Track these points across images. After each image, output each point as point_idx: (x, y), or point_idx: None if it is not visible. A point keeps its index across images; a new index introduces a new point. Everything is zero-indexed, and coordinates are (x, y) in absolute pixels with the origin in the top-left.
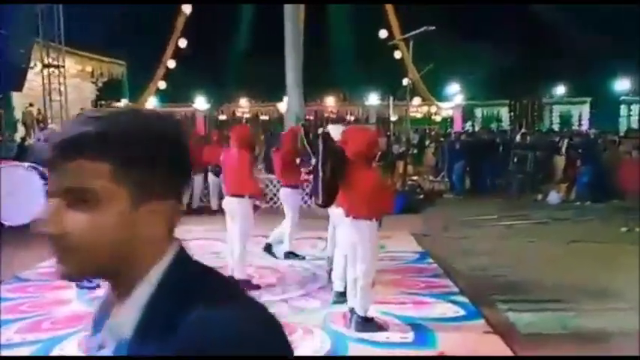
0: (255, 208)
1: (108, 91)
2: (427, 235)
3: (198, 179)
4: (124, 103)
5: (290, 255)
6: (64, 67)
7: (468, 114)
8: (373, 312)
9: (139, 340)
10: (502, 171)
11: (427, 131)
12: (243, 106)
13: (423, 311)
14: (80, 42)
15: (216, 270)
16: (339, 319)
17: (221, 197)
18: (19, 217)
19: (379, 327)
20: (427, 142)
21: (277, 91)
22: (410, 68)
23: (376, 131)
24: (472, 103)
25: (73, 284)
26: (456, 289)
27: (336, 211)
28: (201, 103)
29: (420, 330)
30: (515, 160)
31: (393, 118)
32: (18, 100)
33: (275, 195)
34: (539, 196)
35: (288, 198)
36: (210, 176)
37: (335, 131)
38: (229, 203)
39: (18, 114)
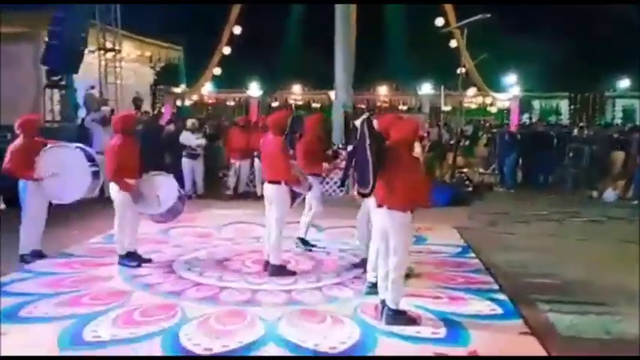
0: (296, 195)
1: (165, 76)
2: (472, 229)
3: (245, 165)
4: (181, 88)
5: (302, 242)
6: (120, 50)
7: (525, 106)
8: (406, 305)
9: None
10: (557, 165)
11: (482, 122)
12: (296, 93)
13: (458, 307)
14: (138, 27)
15: None
16: (371, 310)
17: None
18: (66, 196)
19: (411, 321)
20: (480, 134)
21: (330, 79)
22: (465, 57)
23: (417, 120)
24: (530, 94)
25: (116, 261)
26: (495, 286)
27: (371, 201)
28: (254, 89)
29: (453, 326)
30: (571, 154)
31: (446, 108)
32: (80, 83)
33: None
34: (595, 193)
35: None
36: (257, 162)
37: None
38: (267, 189)
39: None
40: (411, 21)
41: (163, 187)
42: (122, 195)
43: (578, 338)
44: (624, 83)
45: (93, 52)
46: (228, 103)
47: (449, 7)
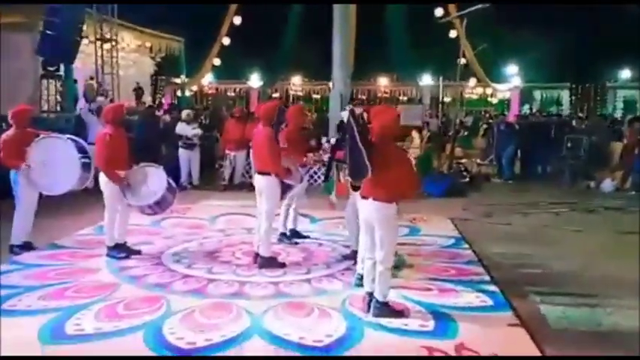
0: (288, 187)
1: (166, 66)
2: (467, 220)
3: (240, 155)
4: (181, 79)
5: (292, 234)
6: (116, 40)
7: (526, 97)
8: (395, 297)
9: None
10: (555, 156)
11: (482, 113)
12: (296, 84)
13: (448, 299)
14: (138, 18)
15: None
16: (360, 302)
17: None
18: (55, 188)
19: (398, 313)
20: (480, 124)
21: (330, 70)
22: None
23: (396, 110)
24: (531, 85)
25: (105, 253)
26: (487, 278)
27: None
28: (255, 80)
29: (442, 319)
30: (569, 145)
31: (447, 99)
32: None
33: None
34: (592, 184)
35: None
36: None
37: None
38: (257, 180)
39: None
40: (411, 11)
41: (152, 178)
42: (112, 186)
43: (569, 330)
44: (625, 74)
45: (93, 42)
46: (228, 93)
47: None
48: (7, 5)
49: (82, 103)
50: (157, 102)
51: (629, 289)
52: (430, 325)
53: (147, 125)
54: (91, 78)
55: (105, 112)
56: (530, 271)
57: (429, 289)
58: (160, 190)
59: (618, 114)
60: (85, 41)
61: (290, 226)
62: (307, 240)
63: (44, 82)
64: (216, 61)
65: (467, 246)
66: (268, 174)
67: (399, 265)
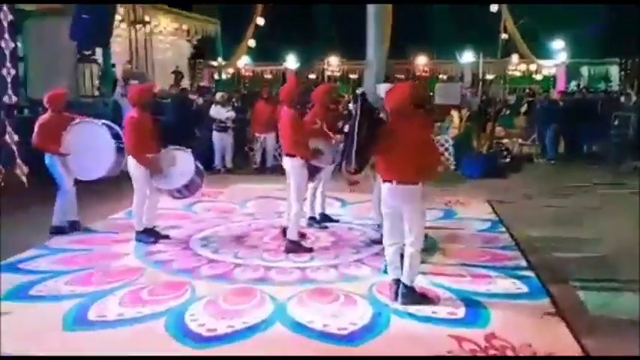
0: (317, 169)
1: (203, 49)
2: (506, 203)
3: (270, 138)
4: (218, 61)
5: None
6: (149, 23)
7: (573, 73)
8: (425, 283)
9: None
10: (601, 135)
11: (526, 91)
12: (333, 64)
13: (481, 286)
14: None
15: None
16: (388, 289)
17: None
18: (90, 173)
19: (428, 300)
20: (522, 102)
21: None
22: (508, 21)
23: (416, 84)
24: (578, 61)
25: (133, 237)
26: (523, 263)
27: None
28: (291, 61)
29: (473, 306)
30: (616, 123)
31: (489, 76)
32: (118, 58)
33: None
34: None
35: None
36: None
37: (384, 90)
38: (285, 163)
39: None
40: None
41: (181, 161)
42: (141, 170)
43: (608, 318)
44: None
45: (129, 26)
46: (265, 75)
47: None
48: None
49: (119, 87)
50: (194, 85)
51: None
52: (460, 312)
53: (180, 108)
54: (128, 62)
55: (130, 95)
56: (570, 256)
57: (462, 275)
58: (189, 173)
59: None
60: (122, 25)
61: (319, 209)
62: (337, 224)
63: (80, 66)
64: (252, 43)
65: (504, 229)
66: (294, 156)
67: (428, 248)
